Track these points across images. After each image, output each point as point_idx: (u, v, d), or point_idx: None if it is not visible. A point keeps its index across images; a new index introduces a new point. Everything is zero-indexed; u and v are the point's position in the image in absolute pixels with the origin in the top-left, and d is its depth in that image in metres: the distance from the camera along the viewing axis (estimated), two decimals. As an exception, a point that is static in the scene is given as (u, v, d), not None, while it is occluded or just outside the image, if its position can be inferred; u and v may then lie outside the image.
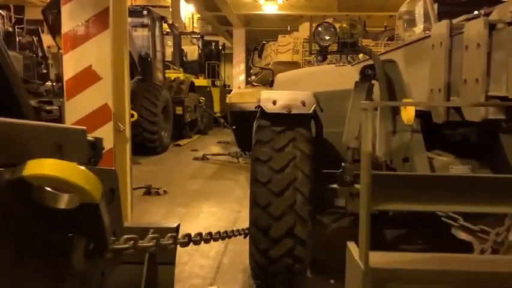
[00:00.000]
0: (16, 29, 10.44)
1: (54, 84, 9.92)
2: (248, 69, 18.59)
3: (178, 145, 11.46)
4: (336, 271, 3.27)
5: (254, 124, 2.86)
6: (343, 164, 2.95)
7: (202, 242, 2.31)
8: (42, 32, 10.66)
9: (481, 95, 2.16)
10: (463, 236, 3.68)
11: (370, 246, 1.15)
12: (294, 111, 2.73)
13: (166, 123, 10.60)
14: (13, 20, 11.49)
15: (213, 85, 16.79)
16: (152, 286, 1.90)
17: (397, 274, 1.15)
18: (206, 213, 5.40)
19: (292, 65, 8.91)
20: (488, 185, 1.33)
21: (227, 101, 9.06)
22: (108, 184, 1.38)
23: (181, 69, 13.85)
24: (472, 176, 1.79)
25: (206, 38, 17.65)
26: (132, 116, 5.69)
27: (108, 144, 3.98)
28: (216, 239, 2.50)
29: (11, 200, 0.92)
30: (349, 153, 2.96)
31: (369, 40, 9.40)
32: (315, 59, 8.01)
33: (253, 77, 12.50)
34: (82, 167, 0.97)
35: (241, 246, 3.53)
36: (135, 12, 10.60)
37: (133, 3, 14.47)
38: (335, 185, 2.95)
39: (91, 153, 1.43)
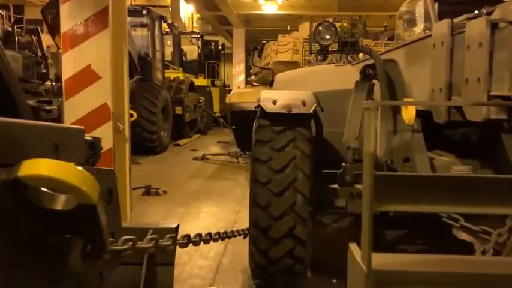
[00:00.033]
0: (15, 29, 10.42)
1: (53, 84, 9.90)
2: (248, 69, 18.58)
3: (178, 145, 11.44)
4: (336, 271, 3.26)
5: (254, 124, 2.84)
6: (343, 164, 2.93)
7: (202, 243, 2.29)
8: (42, 31, 10.64)
9: (483, 94, 2.14)
10: (463, 236, 3.66)
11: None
12: (294, 111, 2.71)
13: (165, 123, 10.59)
14: (12, 20, 11.46)
15: (213, 85, 16.78)
16: (151, 287, 1.88)
17: (399, 276, 1.13)
18: (206, 213, 5.38)
19: (292, 64, 8.89)
20: (490, 186, 1.31)
21: (227, 100, 9.05)
22: (106, 184, 1.36)
23: (180, 69, 13.83)
24: (477, 176, 1.77)
25: (206, 37, 17.63)
26: (132, 115, 5.67)
27: (107, 144, 3.96)
28: (215, 240, 2.48)
29: (6, 200, 0.90)
30: (349, 153, 2.94)
31: (369, 40, 9.38)
32: (315, 58, 8.00)
33: (253, 77, 12.49)
34: (79, 167, 0.95)
35: (241, 246, 3.51)
36: (134, 11, 10.58)
37: (133, 3, 14.44)
38: (335, 185, 2.93)
39: (89, 153, 1.41)
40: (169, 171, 8.13)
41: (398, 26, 4.92)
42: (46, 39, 10.30)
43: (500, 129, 2.52)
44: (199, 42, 16.35)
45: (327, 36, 2.98)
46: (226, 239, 2.84)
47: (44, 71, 10.59)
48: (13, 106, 1.27)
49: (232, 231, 3.01)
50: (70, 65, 3.99)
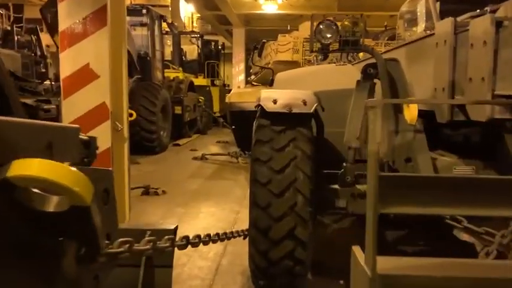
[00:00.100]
0: (15, 28, 10.39)
1: (53, 83, 9.86)
2: (248, 68, 18.57)
3: (178, 145, 11.41)
4: (337, 273, 3.23)
5: (254, 123, 2.81)
6: (344, 164, 2.89)
7: (201, 244, 2.26)
8: (41, 31, 10.62)
9: (487, 93, 2.10)
10: (465, 237, 3.64)
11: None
12: (294, 111, 2.68)
13: (165, 122, 10.56)
14: (12, 19, 11.44)
15: (213, 85, 16.76)
16: (149, 290, 1.85)
17: (405, 281, 1.09)
18: (205, 213, 5.35)
19: (292, 64, 8.88)
20: (495, 187, 1.27)
21: (226, 100, 9.02)
22: (102, 184, 1.32)
23: (180, 69, 13.82)
24: (483, 177, 1.73)
25: (206, 37, 17.62)
26: (131, 115, 5.64)
27: (105, 143, 3.93)
28: (214, 241, 2.45)
29: (-5, 202, 0.86)
30: (350, 153, 2.90)
31: (369, 40, 9.37)
32: (315, 58, 7.97)
33: (252, 77, 12.47)
34: (72, 168, 0.91)
35: (241, 247, 3.47)
36: (134, 11, 10.56)
37: (133, 2, 14.41)
38: (336, 186, 2.90)
39: (84, 153, 1.37)
40: (169, 171, 8.10)
41: (399, 25, 4.89)
42: (45, 38, 10.30)
43: (504, 130, 2.49)
44: (199, 42, 16.33)
45: (328, 35, 2.94)
46: (225, 240, 2.81)
47: (43, 70, 10.58)
48: (6, 105, 1.23)
49: (231, 232, 2.98)
50: (68, 63, 3.95)
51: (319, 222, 3.81)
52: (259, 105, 2.75)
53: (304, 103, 2.70)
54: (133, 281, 1.88)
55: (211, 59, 17.02)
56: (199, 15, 21.46)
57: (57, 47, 4.30)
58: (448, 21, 2.50)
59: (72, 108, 3.95)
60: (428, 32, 3.07)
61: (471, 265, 1.43)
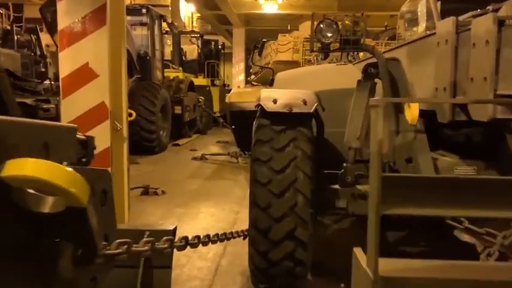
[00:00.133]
0: (14, 27, 10.37)
1: (52, 82, 9.84)
2: (248, 68, 18.55)
3: (177, 145, 11.39)
4: (337, 273, 3.21)
5: (254, 123, 2.79)
6: (344, 164, 2.87)
7: (201, 245, 2.24)
8: (41, 30, 10.61)
9: (490, 93, 2.08)
10: (466, 238, 3.62)
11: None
12: (295, 110, 2.66)
13: (165, 122, 10.54)
14: (11, 18, 11.42)
15: (213, 84, 16.74)
16: (147, 291, 1.83)
17: (407, 283, 1.07)
18: (205, 213, 5.33)
19: (292, 64, 8.87)
20: (502, 188, 1.25)
21: (226, 100, 9.00)
22: (100, 185, 1.30)
23: (180, 69, 13.80)
24: (488, 178, 1.71)
25: (206, 37, 17.61)
26: (130, 115, 5.61)
27: (104, 143, 3.91)
28: (214, 242, 2.43)
29: (-12, 203, 0.84)
30: (350, 153, 2.89)
31: (370, 39, 9.36)
32: (315, 58, 7.95)
33: (252, 76, 12.45)
34: (68, 168, 0.89)
35: (241, 247, 3.45)
36: (134, 10, 10.54)
37: (133, 2, 14.39)
38: (336, 186, 2.88)
39: (82, 153, 1.35)
40: (168, 171, 8.08)
41: (400, 25, 4.87)
42: (45, 38, 10.28)
43: (506, 130, 2.47)
44: (199, 42, 16.33)
45: (329, 34, 2.92)
46: (225, 241, 2.79)
47: (43, 69, 10.56)
48: (1, 103, 1.21)
49: (231, 233, 2.96)
50: (67, 63, 3.93)
51: (319, 222, 3.79)
52: (259, 104, 2.74)
53: (305, 103, 2.69)
54: (132, 282, 1.87)
55: (211, 58, 17.01)
56: (199, 14, 21.44)
57: (57, 47, 4.28)
58: (450, 21, 2.47)
59: (71, 108, 3.92)
60: (427, 32, 3.05)
61: (473, 267, 1.42)
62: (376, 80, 2.98)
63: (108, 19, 3.91)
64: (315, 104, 2.72)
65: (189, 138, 12.69)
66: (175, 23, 14.32)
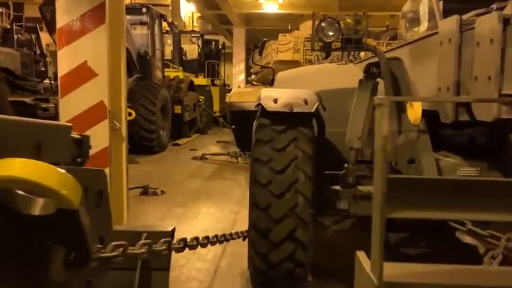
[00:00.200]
0: (14, 26, 10.36)
1: (52, 82, 9.82)
2: (248, 68, 18.52)
3: (177, 144, 11.36)
4: (337, 275, 3.18)
5: (254, 123, 2.75)
6: (345, 165, 2.84)
7: (199, 247, 2.21)
8: (41, 29, 10.60)
9: (494, 93, 2.05)
10: (467, 239, 3.58)
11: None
12: (295, 110, 2.62)
13: (164, 122, 10.50)
14: (11, 17, 11.40)
15: (213, 84, 16.71)
16: (145, 293, 1.80)
17: (412, 289, 1.04)
18: (204, 214, 5.29)
19: (293, 64, 8.84)
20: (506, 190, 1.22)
21: (227, 100, 8.97)
22: (95, 186, 1.27)
23: (180, 68, 13.77)
24: (493, 180, 1.67)
25: (206, 37, 17.58)
26: (130, 114, 5.58)
27: (103, 143, 3.88)
28: (213, 243, 2.40)
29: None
30: (352, 153, 2.85)
31: (371, 39, 9.33)
32: (316, 57, 7.91)
33: (253, 76, 12.42)
34: (59, 169, 0.85)
35: (240, 248, 3.42)
36: (134, 9, 10.52)
37: (133, 1, 14.36)
38: (337, 187, 2.84)
39: (76, 152, 1.31)
40: (168, 171, 8.05)
41: (401, 25, 4.83)
42: (45, 37, 10.27)
43: (509, 130, 2.43)
44: (200, 42, 16.31)
45: (330, 33, 2.88)
46: (224, 242, 2.75)
47: (43, 69, 10.55)
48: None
49: (230, 234, 2.93)
50: (66, 61, 3.89)
51: (319, 223, 3.75)
52: (259, 104, 2.70)
53: (306, 102, 2.65)
54: (129, 285, 1.83)
55: (212, 58, 16.98)
56: (199, 14, 21.41)
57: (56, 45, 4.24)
58: (453, 19, 2.44)
59: (70, 107, 3.89)
60: (429, 32, 3.01)
61: (478, 272, 1.38)
62: (378, 79, 2.95)
63: (107, 17, 3.87)
64: (316, 104, 2.69)
65: (189, 138, 12.66)
66: (176, 23, 14.29)
